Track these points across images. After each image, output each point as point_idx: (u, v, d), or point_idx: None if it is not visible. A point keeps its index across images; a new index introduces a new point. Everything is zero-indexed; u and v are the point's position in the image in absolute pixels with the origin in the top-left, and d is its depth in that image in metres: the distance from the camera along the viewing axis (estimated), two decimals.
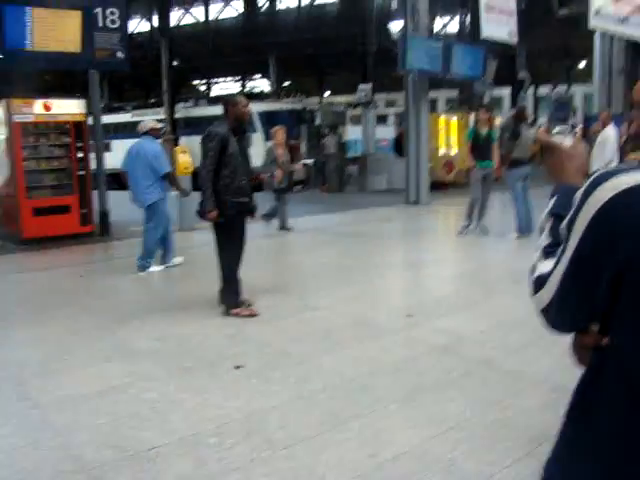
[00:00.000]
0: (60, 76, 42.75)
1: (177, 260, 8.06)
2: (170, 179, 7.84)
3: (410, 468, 3.00)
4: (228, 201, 5.52)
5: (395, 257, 8.82)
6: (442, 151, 18.18)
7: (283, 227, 10.92)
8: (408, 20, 13.92)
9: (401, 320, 5.46)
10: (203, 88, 49.21)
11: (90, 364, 4.57)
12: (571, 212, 1.22)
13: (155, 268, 7.78)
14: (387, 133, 22.94)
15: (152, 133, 7.78)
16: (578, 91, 29.82)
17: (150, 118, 7.67)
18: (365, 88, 20.56)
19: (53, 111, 10.23)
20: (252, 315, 5.62)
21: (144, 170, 7.52)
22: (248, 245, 5.88)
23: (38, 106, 10.13)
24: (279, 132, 10.81)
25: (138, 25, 36.63)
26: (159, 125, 8.05)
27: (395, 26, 26.81)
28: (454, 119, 18.55)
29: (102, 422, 3.58)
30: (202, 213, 5.61)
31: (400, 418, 3.55)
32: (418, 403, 3.73)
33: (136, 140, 7.81)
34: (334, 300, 6.20)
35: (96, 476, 3.01)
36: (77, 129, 10.40)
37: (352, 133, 24.04)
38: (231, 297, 5.71)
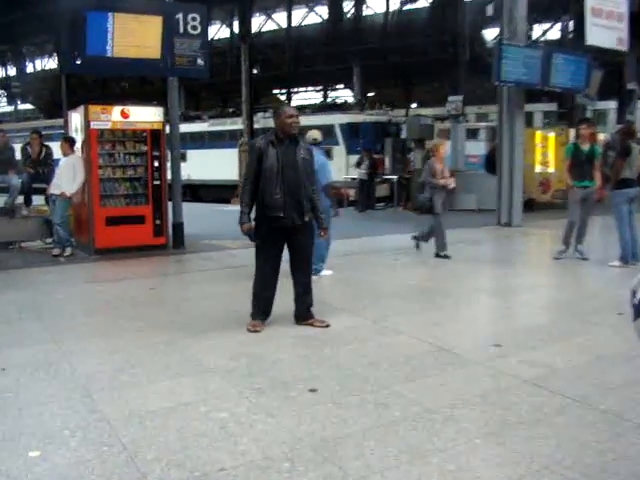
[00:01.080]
0: (138, 83, 44.48)
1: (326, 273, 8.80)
2: (327, 191, 8.42)
3: None
4: (261, 216, 5.83)
5: (484, 282, 8.70)
6: (538, 169, 17.84)
7: (439, 254, 10.22)
8: (504, 27, 13.82)
9: (488, 349, 5.37)
10: (283, 98, 50.04)
11: (160, 379, 4.71)
12: None
13: (326, 272, 8.74)
14: (478, 149, 22.71)
15: (314, 143, 8.52)
16: None
17: (312, 131, 8.53)
18: (455, 100, 20.46)
19: (130, 118, 10.66)
20: (252, 330, 5.89)
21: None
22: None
23: (116, 113, 10.57)
24: (441, 147, 10.44)
25: (218, 31, 37.67)
26: (320, 137, 8.66)
27: (490, 33, 26.61)
28: (552, 134, 18.19)
29: (170, 439, 3.68)
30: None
31: (485, 454, 3.50)
32: (505, 439, 3.67)
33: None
34: (416, 324, 6.18)
35: None
36: (154, 137, 10.78)
37: None
38: (253, 310, 6.07)
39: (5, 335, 6.03)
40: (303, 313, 6.12)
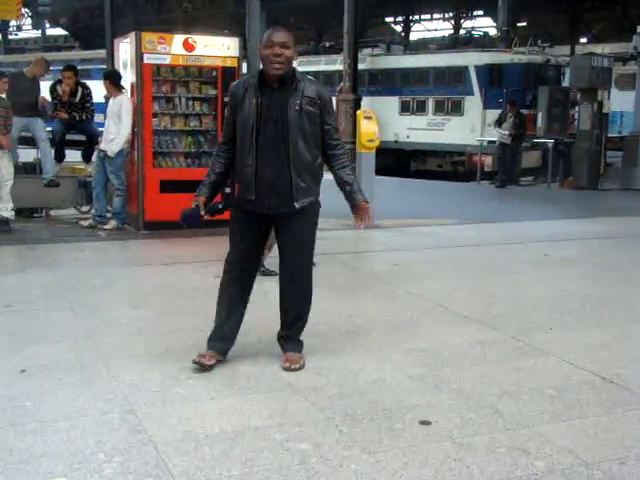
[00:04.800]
0: (206, 4, 45.20)
1: None
2: None
3: None
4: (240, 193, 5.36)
5: None
6: None
7: None
8: None
9: None
10: (399, 28, 49.79)
11: (223, 395, 4.83)
12: None
13: None
14: None
15: None
16: None
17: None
18: None
19: (197, 51, 10.74)
20: (198, 365, 5.25)
21: None
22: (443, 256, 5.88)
23: (177, 44, 10.65)
24: None
25: None
26: None
27: None
28: None
29: (233, 474, 3.77)
30: None
31: None
32: None
33: None
34: (572, 344, 6.08)
35: None
36: (227, 78, 10.76)
37: (619, 101, 23.23)
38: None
39: (26, 327, 6.31)
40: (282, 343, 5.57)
